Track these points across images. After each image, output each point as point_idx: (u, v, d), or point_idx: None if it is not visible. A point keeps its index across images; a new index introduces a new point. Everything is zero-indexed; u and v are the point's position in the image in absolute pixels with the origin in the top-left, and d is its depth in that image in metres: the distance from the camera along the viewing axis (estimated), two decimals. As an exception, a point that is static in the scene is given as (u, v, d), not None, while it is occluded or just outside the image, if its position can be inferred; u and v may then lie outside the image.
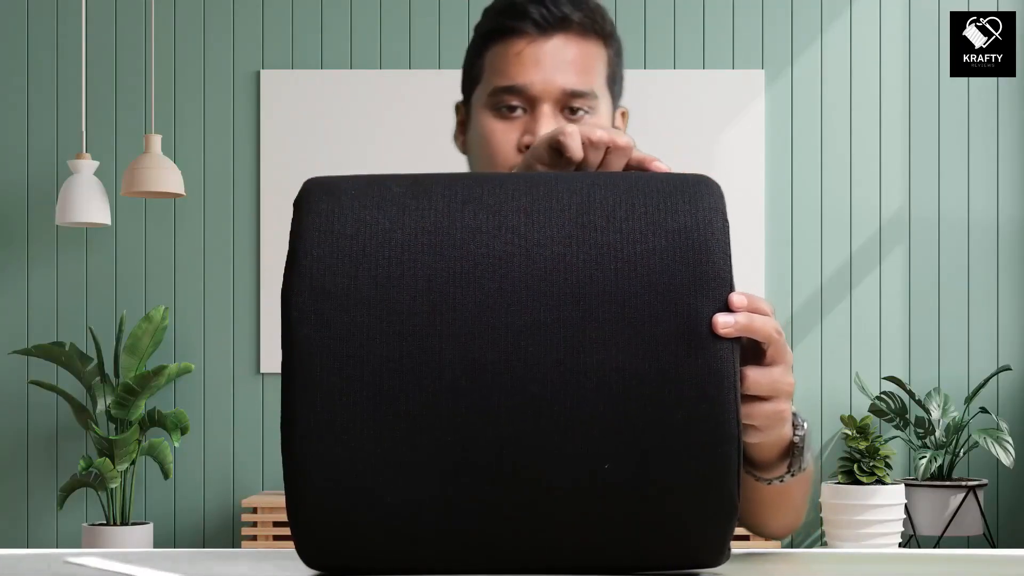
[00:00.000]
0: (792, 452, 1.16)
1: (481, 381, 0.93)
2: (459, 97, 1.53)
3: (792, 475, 1.17)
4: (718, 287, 0.96)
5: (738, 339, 0.96)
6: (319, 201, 0.97)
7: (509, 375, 0.94)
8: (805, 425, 1.15)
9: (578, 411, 0.94)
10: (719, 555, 1.00)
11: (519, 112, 1.35)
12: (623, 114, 1.46)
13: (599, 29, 1.38)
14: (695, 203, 0.97)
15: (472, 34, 1.43)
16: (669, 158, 4.89)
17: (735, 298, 0.95)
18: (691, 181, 0.99)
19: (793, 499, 1.26)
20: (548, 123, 1.33)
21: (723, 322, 0.94)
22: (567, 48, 1.35)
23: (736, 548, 1.19)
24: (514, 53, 1.35)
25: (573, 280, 0.94)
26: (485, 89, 1.37)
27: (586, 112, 1.36)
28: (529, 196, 0.98)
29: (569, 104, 1.35)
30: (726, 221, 0.97)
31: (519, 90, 1.34)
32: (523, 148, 1.34)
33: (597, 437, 0.94)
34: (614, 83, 1.41)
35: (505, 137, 1.35)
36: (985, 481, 4.67)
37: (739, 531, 4.49)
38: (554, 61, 1.34)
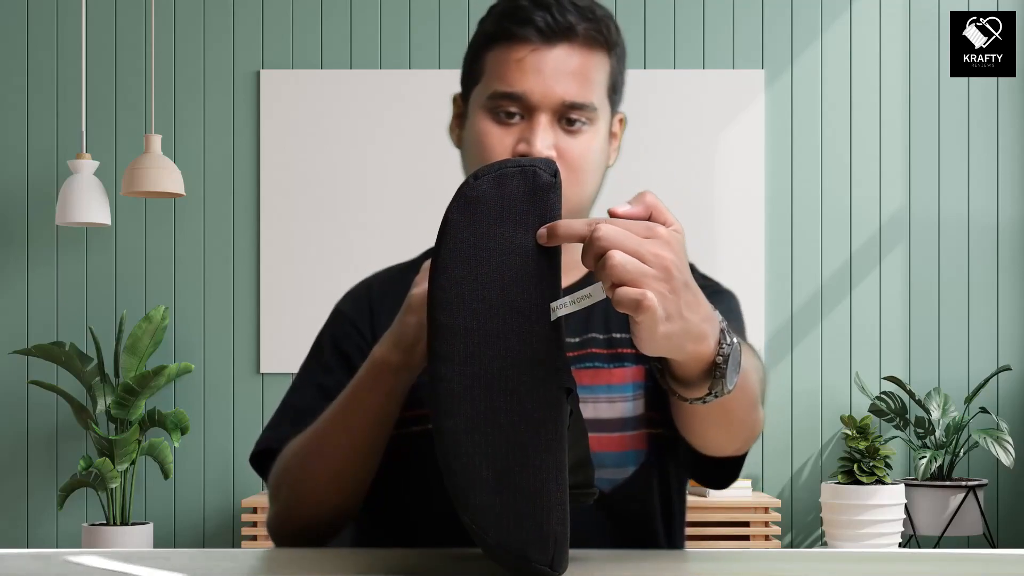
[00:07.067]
0: (714, 373, 1.04)
1: None
2: (459, 90, 1.49)
3: (715, 396, 1.06)
4: None
5: None
6: None
7: None
8: (734, 342, 1.03)
9: None
10: None
11: (516, 119, 1.34)
12: (620, 120, 1.44)
13: (604, 40, 1.35)
14: None
15: (476, 29, 1.40)
16: (669, 158, 4.88)
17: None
18: None
19: (730, 415, 1.14)
20: (545, 132, 1.32)
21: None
22: (570, 58, 1.33)
23: (735, 547, 1.18)
24: (515, 59, 1.33)
25: None
26: (484, 91, 1.36)
27: (584, 124, 1.34)
28: None
29: (567, 115, 1.33)
30: None
31: (518, 97, 1.33)
32: (517, 155, 1.32)
33: None
34: (615, 91, 1.39)
35: (500, 142, 1.34)
36: (985, 481, 4.67)
37: (737, 531, 4.48)
38: (555, 71, 1.32)
